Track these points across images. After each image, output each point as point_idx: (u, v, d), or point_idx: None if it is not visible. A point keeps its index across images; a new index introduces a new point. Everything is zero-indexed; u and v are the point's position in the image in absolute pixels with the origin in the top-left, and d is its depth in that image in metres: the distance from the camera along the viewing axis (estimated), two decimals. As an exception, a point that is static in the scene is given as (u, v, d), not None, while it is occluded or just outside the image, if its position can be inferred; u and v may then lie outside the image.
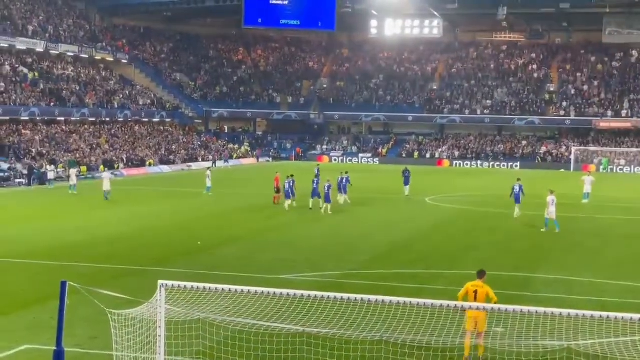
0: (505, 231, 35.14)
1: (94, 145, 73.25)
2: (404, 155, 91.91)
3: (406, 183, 49.67)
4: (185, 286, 13.16)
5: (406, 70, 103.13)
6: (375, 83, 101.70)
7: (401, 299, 12.58)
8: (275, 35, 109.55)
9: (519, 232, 34.86)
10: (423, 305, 12.65)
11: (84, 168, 64.76)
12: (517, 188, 39.63)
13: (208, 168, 54.47)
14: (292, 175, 42.53)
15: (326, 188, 40.14)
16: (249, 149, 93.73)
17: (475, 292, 15.27)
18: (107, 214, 39.74)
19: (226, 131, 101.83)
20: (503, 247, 30.57)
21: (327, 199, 40.13)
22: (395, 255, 28.62)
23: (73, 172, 52.13)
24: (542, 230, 34.81)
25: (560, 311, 12.14)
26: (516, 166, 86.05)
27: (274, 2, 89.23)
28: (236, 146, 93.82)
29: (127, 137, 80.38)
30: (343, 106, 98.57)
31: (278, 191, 43.58)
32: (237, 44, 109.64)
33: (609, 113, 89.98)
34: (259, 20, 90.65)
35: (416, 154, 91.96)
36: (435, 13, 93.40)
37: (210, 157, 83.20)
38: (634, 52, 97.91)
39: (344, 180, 44.11)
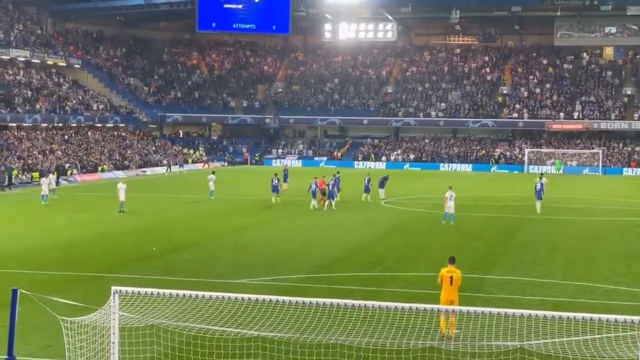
0: (459, 233, 35.40)
1: (47, 152, 72.28)
2: (359, 158, 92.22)
3: (381, 186, 50.06)
4: (139, 292, 13.05)
5: (361, 73, 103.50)
6: (330, 87, 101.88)
7: (356, 302, 12.60)
8: (230, 40, 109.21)
9: (474, 234, 35.16)
10: (378, 308, 12.70)
11: (35, 174, 63.82)
12: (538, 186, 42.98)
13: (212, 172, 52.99)
14: (315, 178, 46.08)
15: (330, 185, 44.74)
16: (203, 153, 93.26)
17: (451, 277, 17.28)
18: (60, 220, 39.23)
19: (181, 136, 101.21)
20: (458, 248, 30.73)
21: (331, 195, 44.51)
22: (351, 258, 28.67)
23: (45, 181, 48.10)
24: (442, 222, 37.46)
25: (513, 311, 12.27)
26: (469, 168, 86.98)
27: (228, 6, 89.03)
28: (191, 151, 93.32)
29: (80, 142, 79.46)
30: (298, 110, 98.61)
31: (324, 194, 45.16)
32: (191, 48, 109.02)
33: (561, 115, 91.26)
34: (213, 25, 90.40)
35: (372, 156, 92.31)
36: (390, 17, 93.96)
37: (165, 162, 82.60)
38: (585, 55, 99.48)
39: (336, 181, 46.82)
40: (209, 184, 49.68)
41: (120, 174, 73.72)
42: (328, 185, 45.15)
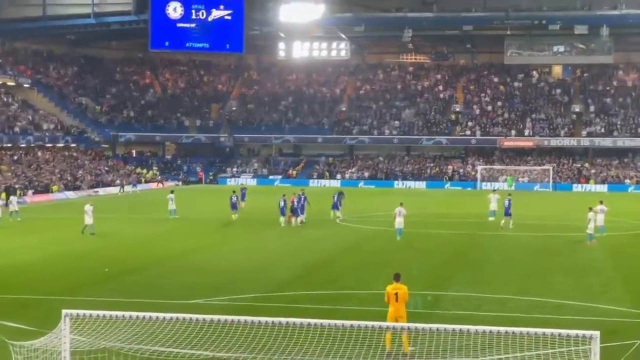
0: (414, 250, 35.58)
1: (-4, 172, 71.15)
2: (314, 177, 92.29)
3: (339, 204, 49.97)
4: (90, 315, 12.85)
5: (315, 92, 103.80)
6: (285, 105, 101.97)
7: (312, 321, 12.56)
8: (183, 59, 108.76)
9: (429, 251, 35.35)
10: (334, 326, 12.67)
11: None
12: (506, 203, 44.28)
13: (171, 191, 52.81)
14: (284, 195, 46.55)
15: (295, 203, 45.17)
16: (157, 173, 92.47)
17: (396, 294, 17.55)
18: (10, 243, 38.52)
19: (134, 155, 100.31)
20: (413, 265, 30.89)
21: (296, 213, 45.02)
22: (307, 277, 28.62)
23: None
24: (397, 239, 37.81)
25: (467, 328, 12.34)
26: (423, 185, 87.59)
27: (181, 25, 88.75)
28: (144, 170, 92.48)
29: (30, 163, 78.34)
30: (253, 128, 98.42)
31: (292, 211, 45.34)
32: (143, 67, 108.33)
33: (513, 132, 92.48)
34: (166, 44, 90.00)
35: (327, 174, 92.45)
36: (343, 35, 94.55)
37: (118, 182, 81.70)
38: (535, 73, 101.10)
39: (302, 199, 46.56)
40: (169, 203, 49.49)
41: (71, 194, 72.83)
42: (293, 202, 45.30)
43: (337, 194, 50.36)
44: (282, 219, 44.66)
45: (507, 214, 44.07)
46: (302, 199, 46.56)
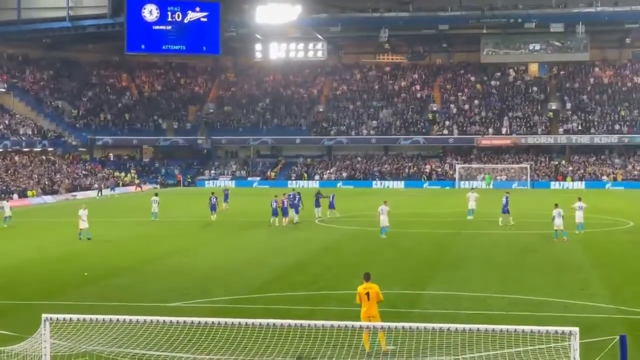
0: (394, 249, 35.64)
1: (-28, 177, 70.57)
2: (293, 178, 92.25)
3: (317, 204, 49.96)
4: (70, 319, 12.79)
5: (292, 93, 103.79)
6: (262, 106, 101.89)
7: (292, 322, 12.58)
8: (159, 61, 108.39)
9: (408, 250, 35.43)
10: (314, 327, 12.69)
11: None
12: (504, 200, 44.55)
13: (155, 194, 52.77)
14: (278, 195, 46.82)
15: (285, 203, 45.68)
16: (135, 176, 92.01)
17: (367, 293, 17.47)
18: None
19: (112, 159, 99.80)
20: (393, 265, 31.00)
21: (286, 213, 45.40)
22: (287, 278, 28.61)
23: None
24: (381, 237, 38.54)
25: (448, 326, 12.40)
26: (401, 185, 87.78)
27: (157, 27, 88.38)
28: (122, 174, 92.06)
29: (7, 168, 77.71)
30: (230, 130, 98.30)
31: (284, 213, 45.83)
32: (120, 70, 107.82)
33: (490, 131, 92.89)
34: (142, 46, 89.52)
35: (305, 175, 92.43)
36: (319, 36, 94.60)
37: (96, 186, 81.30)
38: (511, 71, 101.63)
39: (297, 199, 47.44)
40: (153, 205, 49.48)
41: (49, 199, 72.37)
42: (283, 202, 45.57)
43: (332, 195, 50.96)
44: (272, 219, 44.81)
45: (505, 211, 44.31)
46: (297, 199, 47.32)
